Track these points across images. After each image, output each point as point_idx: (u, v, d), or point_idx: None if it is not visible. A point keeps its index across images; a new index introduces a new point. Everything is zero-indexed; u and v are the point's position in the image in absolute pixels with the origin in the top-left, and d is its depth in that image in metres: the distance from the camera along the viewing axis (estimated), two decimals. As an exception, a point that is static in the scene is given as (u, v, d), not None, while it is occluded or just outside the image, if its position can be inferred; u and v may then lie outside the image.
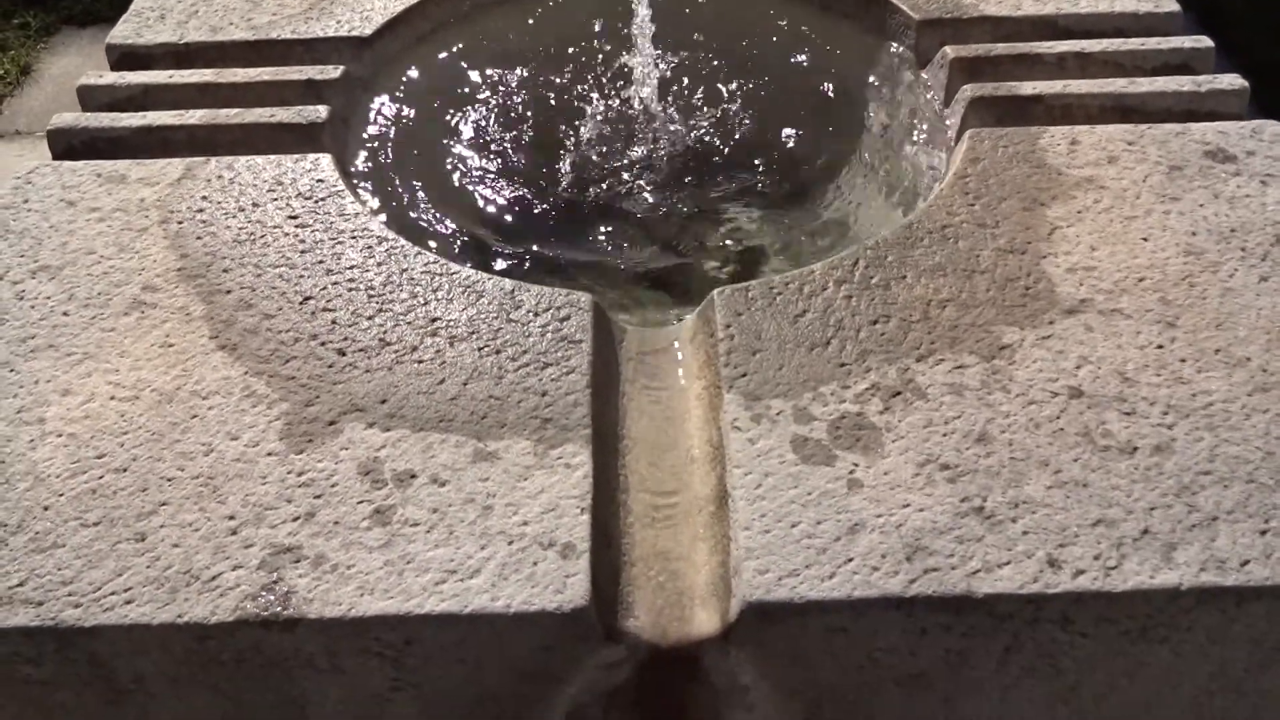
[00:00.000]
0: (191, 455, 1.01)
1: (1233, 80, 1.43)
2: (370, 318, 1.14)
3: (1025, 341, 1.09)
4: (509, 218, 1.54)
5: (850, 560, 0.90)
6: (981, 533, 0.92)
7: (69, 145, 1.44)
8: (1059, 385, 1.04)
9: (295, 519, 0.95)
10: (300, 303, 1.16)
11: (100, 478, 0.99)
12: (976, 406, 1.02)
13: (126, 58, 1.56)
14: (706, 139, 1.66)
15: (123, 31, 1.58)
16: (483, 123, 1.66)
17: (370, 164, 1.51)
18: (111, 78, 1.51)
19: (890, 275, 1.17)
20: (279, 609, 0.88)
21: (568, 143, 1.66)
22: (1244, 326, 1.09)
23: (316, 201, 1.30)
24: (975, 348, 1.08)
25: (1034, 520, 0.92)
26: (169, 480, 0.99)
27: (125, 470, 1.00)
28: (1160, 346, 1.08)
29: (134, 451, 1.01)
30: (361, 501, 0.96)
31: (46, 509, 0.97)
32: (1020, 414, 1.01)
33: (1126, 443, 0.98)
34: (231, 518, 0.95)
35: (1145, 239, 1.20)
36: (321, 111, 1.44)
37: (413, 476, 0.98)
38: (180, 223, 1.28)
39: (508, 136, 1.65)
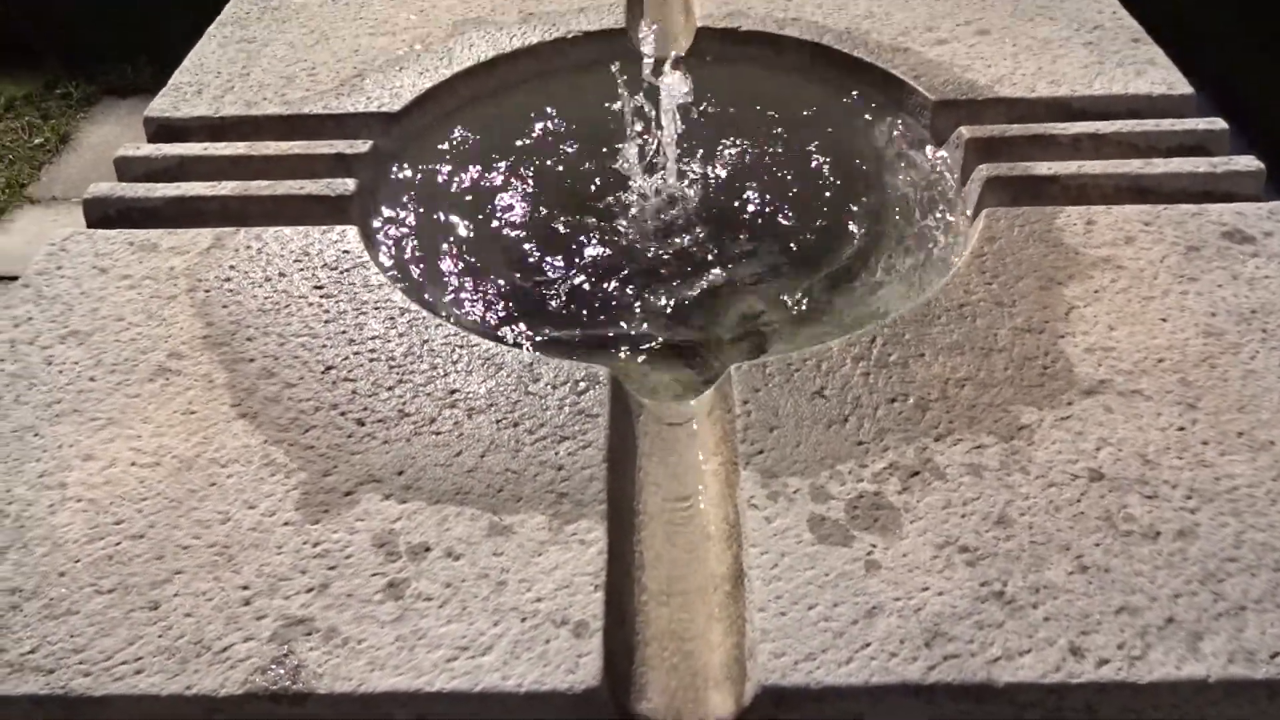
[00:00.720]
0: (208, 523, 1.01)
1: (1249, 162, 1.44)
2: (390, 388, 1.15)
3: (1044, 422, 1.08)
4: (529, 290, 1.56)
5: (868, 645, 0.88)
6: (1002, 618, 0.90)
7: (104, 214, 1.47)
8: (1079, 467, 1.03)
9: (309, 590, 0.95)
10: (322, 372, 1.18)
11: (117, 544, 1.00)
12: (996, 488, 1.01)
13: (163, 130, 1.60)
14: (725, 215, 1.68)
15: (160, 105, 1.62)
16: (505, 197, 1.69)
17: (395, 236, 1.53)
18: (148, 149, 1.55)
19: (908, 353, 1.17)
20: (288, 683, 0.87)
21: (587, 218, 1.68)
22: (1267, 409, 1.08)
23: (341, 272, 1.32)
24: (994, 428, 1.08)
25: (1055, 606, 0.91)
26: (185, 548, 0.99)
27: (142, 537, 1.00)
28: (1181, 429, 1.07)
29: (152, 518, 1.02)
30: (375, 574, 0.96)
31: (62, 575, 0.97)
32: (1040, 496, 1.00)
33: (1149, 527, 0.97)
34: (245, 588, 0.95)
35: (1164, 319, 1.20)
36: (349, 184, 1.47)
37: (427, 550, 0.98)
38: (207, 291, 1.30)
39: (529, 210, 1.68)
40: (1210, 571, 0.93)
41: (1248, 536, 0.96)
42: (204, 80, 1.68)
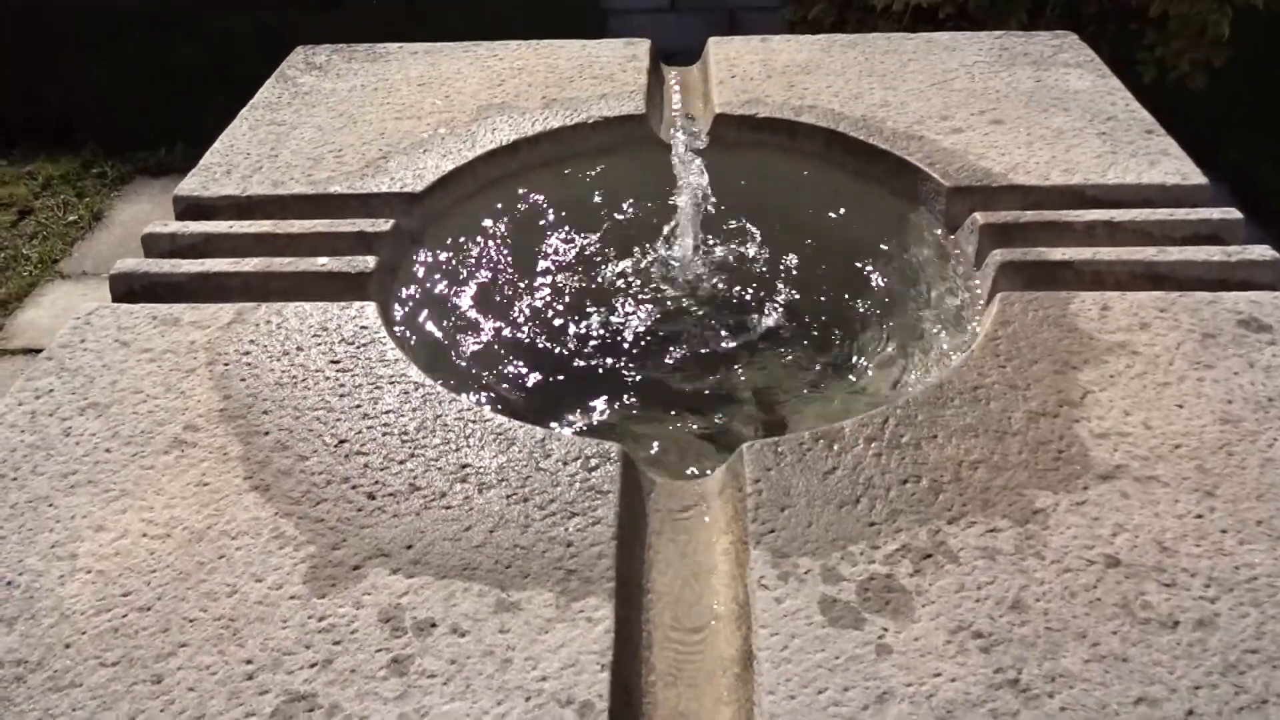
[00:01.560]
0: (215, 596, 1.01)
1: (1264, 251, 1.44)
2: (402, 462, 1.16)
3: (1059, 506, 1.07)
4: (544, 367, 1.57)
5: (878, 731, 0.86)
6: (1016, 707, 0.88)
7: (130, 289, 1.50)
8: (1095, 553, 1.01)
9: (312, 665, 0.94)
10: (335, 445, 1.18)
11: (124, 616, 0.99)
12: (1010, 572, 1.00)
13: (191, 208, 1.64)
14: (740, 297, 1.70)
15: (189, 185, 1.67)
16: (523, 276, 1.71)
17: (413, 312, 1.56)
18: (175, 227, 1.59)
19: (921, 434, 1.16)
20: (288, 760, 0.86)
21: (604, 297, 1.70)
22: (1286, 498, 1.07)
23: (358, 347, 1.34)
24: (1008, 511, 1.07)
25: (1072, 696, 0.89)
26: (191, 621, 0.98)
27: (149, 609, 1.00)
28: (1199, 516, 1.05)
29: (159, 590, 1.02)
30: (380, 650, 0.95)
31: (68, 646, 0.97)
32: (1055, 582, 0.99)
33: (1168, 616, 0.95)
34: (249, 662, 0.94)
35: (1180, 405, 1.19)
36: (370, 262, 1.50)
37: (433, 625, 0.97)
38: (226, 365, 1.32)
39: (546, 289, 1.70)
40: (1231, 663, 0.91)
41: (1269, 627, 0.94)
42: (233, 161, 1.73)
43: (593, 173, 1.82)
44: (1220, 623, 0.94)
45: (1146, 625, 0.94)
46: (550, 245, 1.77)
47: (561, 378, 1.56)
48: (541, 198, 1.80)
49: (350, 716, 0.89)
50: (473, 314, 1.63)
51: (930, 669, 0.91)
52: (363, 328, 1.37)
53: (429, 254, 1.65)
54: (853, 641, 0.94)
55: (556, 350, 1.60)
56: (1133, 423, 1.17)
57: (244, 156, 1.74)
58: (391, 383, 1.28)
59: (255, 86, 1.99)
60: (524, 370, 1.56)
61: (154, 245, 1.58)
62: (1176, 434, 1.15)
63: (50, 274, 3.27)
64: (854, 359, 1.57)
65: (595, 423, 1.47)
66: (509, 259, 1.73)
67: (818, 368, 1.54)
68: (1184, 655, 0.92)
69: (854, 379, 1.53)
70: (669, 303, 1.70)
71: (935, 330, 1.53)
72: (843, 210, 1.76)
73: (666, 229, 1.76)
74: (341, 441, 1.19)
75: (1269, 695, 0.88)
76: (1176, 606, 0.96)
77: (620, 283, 1.73)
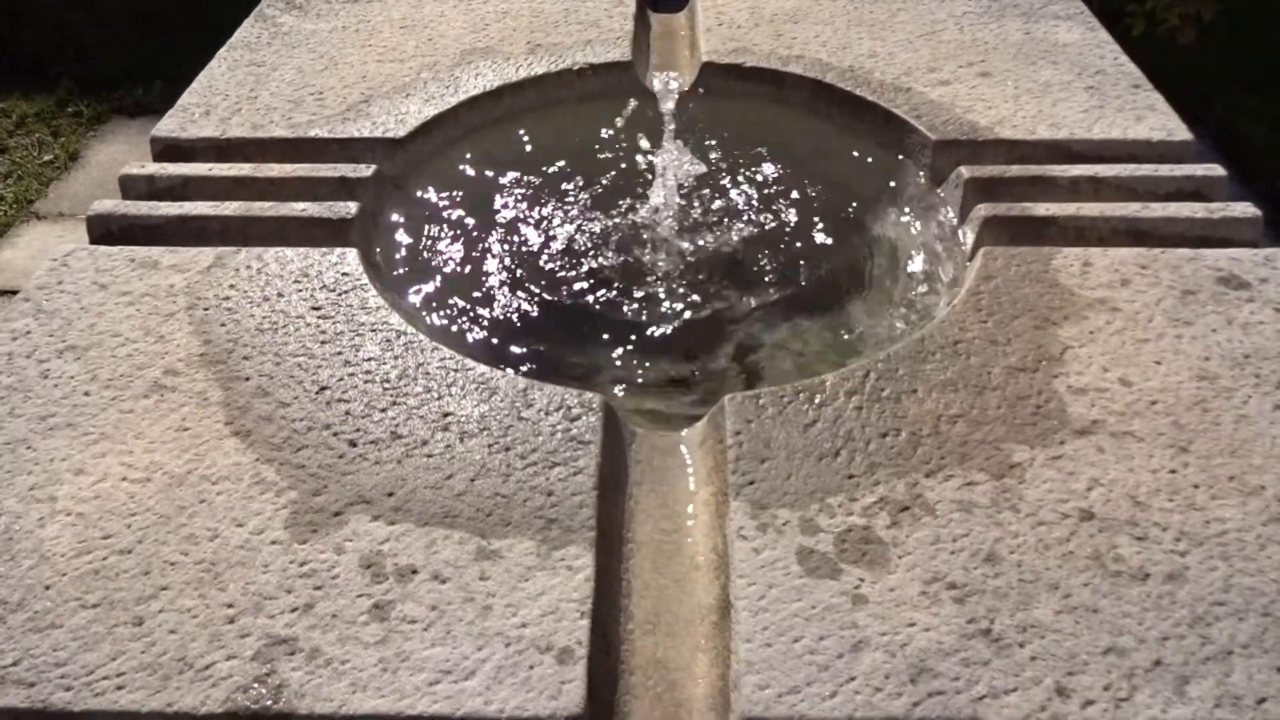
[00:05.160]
0: (196, 540, 1.01)
1: (1246, 208, 1.45)
2: (384, 410, 1.15)
3: (1036, 461, 1.08)
4: (526, 317, 1.56)
5: (853, 679, 0.88)
6: (988, 656, 0.90)
7: (107, 230, 1.48)
8: (1069, 507, 1.03)
9: (293, 610, 0.94)
10: (316, 392, 1.18)
11: (104, 559, 1.00)
12: (985, 525, 1.01)
13: (169, 150, 1.62)
14: (723, 248, 1.69)
15: (167, 126, 1.64)
16: (506, 224, 1.70)
17: (395, 259, 1.54)
18: (153, 168, 1.57)
19: (901, 388, 1.17)
20: (269, 703, 0.87)
21: (587, 247, 1.69)
22: (1259, 454, 1.08)
23: (340, 294, 1.33)
24: (985, 465, 1.08)
25: (1042, 645, 0.90)
26: (172, 565, 0.99)
27: (130, 552, 1.00)
28: (1173, 471, 1.07)
29: (140, 534, 1.02)
30: (361, 595, 0.95)
31: (48, 588, 0.97)
32: (1030, 534, 1.00)
33: (1138, 569, 0.97)
34: (230, 606, 0.95)
35: (1158, 362, 1.20)
36: (351, 208, 1.49)
37: (414, 572, 0.98)
38: (206, 309, 1.31)
39: (529, 238, 1.69)
40: (1199, 615, 0.93)
41: (1236, 581, 0.95)
42: (212, 102, 1.70)
43: (577, 120, 1.80)
44: (1189, 575, 0.96)
45: (1117, 577, 0.96)
46: (533, 192, 1.75)
47: (543, 325, 1.55)
48: (525, 145, 1.78)
49: (331, 660, 0.90)
50: (455, 261, 1.62)
51: (905, 619, 0.92)
52: (344, 274, 1.36)
53: (411, 200, 1.63)
54: (829, 591, 0.95)
55: (538, 297, 1.60)
56: (1111, 379, 1.18)
57: (223, 98, 1.71)
58: (373, 330, 1.27)
59: (236, 27, 1.95)
60: (506, 316, 1.56)
61: (131, 187, 1.55)
62: (1154, 390, 1.17)
63: (26, 214, 3.22)
64: (835, 312, 1.57)
65: (577, 372, 1.47)
66: (492, 206, 1.71)
67: (798, 321, 1.54)
68: (1153, 607, 0.93)
69: (834, 331, 1.53)
70: (651, 253, 1.69)
71: (917, 284, 1.53)
72: (828, 163, 1.75)
73: (651, 177, 1.75)
74: (323, 388, 1.19)
75: (1234, 646, 0.90)
76: (1147, 559, 0.98)
77: (602, 230, 1.72)
